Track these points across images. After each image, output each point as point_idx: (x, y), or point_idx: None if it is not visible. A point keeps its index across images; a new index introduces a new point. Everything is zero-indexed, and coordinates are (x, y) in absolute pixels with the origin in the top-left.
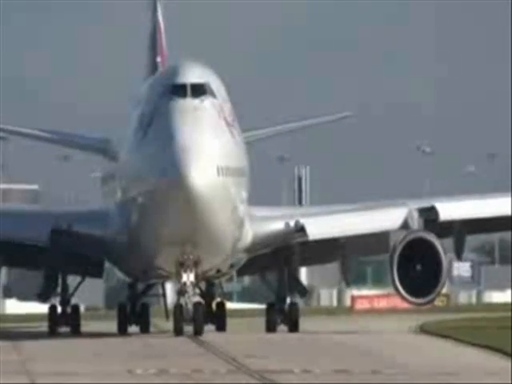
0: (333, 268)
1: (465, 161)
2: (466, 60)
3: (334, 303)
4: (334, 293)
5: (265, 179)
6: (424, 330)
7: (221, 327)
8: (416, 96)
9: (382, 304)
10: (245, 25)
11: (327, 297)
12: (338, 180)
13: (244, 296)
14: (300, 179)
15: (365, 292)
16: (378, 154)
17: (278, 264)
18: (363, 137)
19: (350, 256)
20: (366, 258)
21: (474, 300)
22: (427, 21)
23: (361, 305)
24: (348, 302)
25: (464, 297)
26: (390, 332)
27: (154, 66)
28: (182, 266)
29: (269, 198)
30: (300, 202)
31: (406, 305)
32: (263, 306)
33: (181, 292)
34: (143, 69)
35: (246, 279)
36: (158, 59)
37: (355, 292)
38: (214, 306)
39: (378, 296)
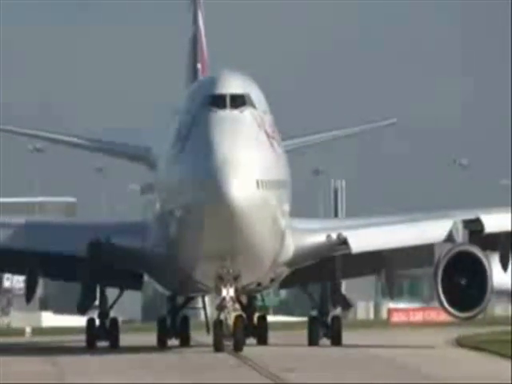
0: (369, 281)
1: (500, 174)
2: (495, 72)
3: (371, 316)
4: (371, 306)
5: (300, 192)
6: (460, 343)
7: (262, 341)
8: (450, 109)
9: (418, 317)
10: (285, 31)
11: (364, 310)
12: (372, 192)
13: (280, 309)
14: (336, 192)
15: (401, 305)
16: (414, 167)
17: (320, 277)
18: (398, 149)
19: (394, 269)
20: (403, 271)
21: (510, 312)
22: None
23: (397, 318)
24: (384, 315)
25: (500, 309)
26: (426, 345)
27: (194, 73)
28: (221, 280)
29: (305, 210)
30: (336, 215)
31: (442, 318)
32: (300, 319)
33: (220, 307)
34: (183, 75)
35: (283, 292)
36: (199, 66)
37: (392, 305)
38: (255, 319)
39: (414, 309)
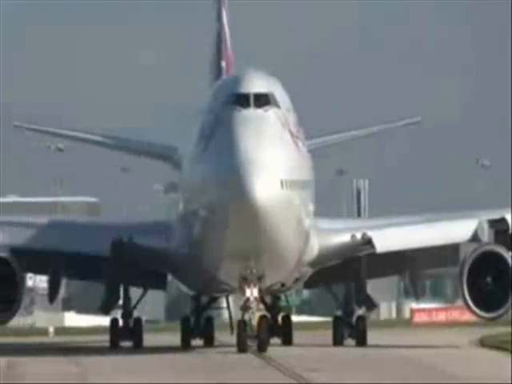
0: (392, 281)
1: None
2: None
3: (393, 316)
4: (393, 306)
5: (323, 192)
6: (484, 343)
7: (287, 341)
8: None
9: (441, 317)
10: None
11: (386, 310)
12: (395, 192)
13: (303, 309)
14: (359, 192)
15: (424, 305)
16: (436, 167)
17: (345, 277)
18: (420, 148)
19: (418, 269)
20: (425, 271)
21: None
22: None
23: (419, 318)
24: (407, 315)
25: None
26: (450, 345)
27: (218, 71)
28: (245, 280)
29: (328, 210)
30: (359, 215)
31: (465, 318)
32: (322, 319)
33: (244, 307)
34: (208, 73)
35: (305, 292)
36: (223, 64)
37: (414, 305)
38: (279, 319)
39: (437, 309)
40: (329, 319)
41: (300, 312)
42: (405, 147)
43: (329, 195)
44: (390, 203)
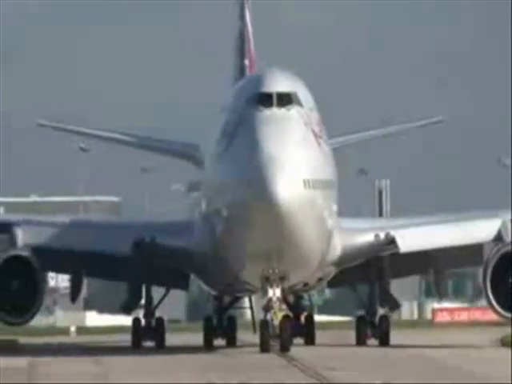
0: (413, 281)
1: None
2: None
3: (415, 316)
4: (415, 306)
5: (344, 192)
6: (505, 343)
7: (310, 340)
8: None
9: (463, 317)
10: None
11: (408, 310)
12: (416, 192)
13: (325, 308)
14: (380, 192)
15: (446, 305)
16: (457, 166)
17: (368, 276)
18: (441, 147)
19: (442, 268)
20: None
21: None
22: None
23: (441, 317)
24: (428, 315)
25: None
26: (471, 345)
27: (241, 69)
28: (267, 280)
29: (350, 210)
30: (380, 215)
31: (486, 317)
32: (343, 319)
33: (267, 308)
34: (231, 72)
35: (327, 291)
36: (246, 62)
37: (436, 305)
38: (302, 319)
39: (458, 309)
40: (348, 319)
41: (321, 312)
42: (426, 147)
43: (350, 195)
44: (412, 203)
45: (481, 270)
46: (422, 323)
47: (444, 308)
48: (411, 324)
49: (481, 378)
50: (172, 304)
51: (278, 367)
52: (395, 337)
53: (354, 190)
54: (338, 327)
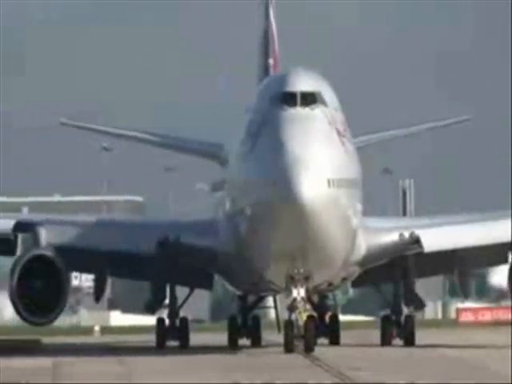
0: (437, 280)
1: None
2: None
3: (439, 316)
4: (439, 305)
5: (368, 191)
6: None
7: (334, 340)
8: None
9: (487, 316)
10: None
11: (432, 309)
12: (440, 192)
13: (348, 308)
14: (404, 191)
15: (469, 304)
16: (482, 165)
17: (393, 276)
18: (466, 146)
19: (467, 268)
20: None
21: None
22: None
23: (465, 317)
24: (452, 315)
25: None
26: (495, 345)
27: (265, 69)
28: (292, 280)
29: (374, 210)
30: (404, 215)
31: (511, 317)
32: (367, 318)
33: (291, 308)
34: (255, 71)
35: (351, 291)
36: (270, 61)
37: (460, 304)
38: (327, 318)
39: (482, 308)
40: (371, 318)
41: (344, 311)
42: (450, 146)
43: (374, 194)
44: (436, 203)
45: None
46: (446, 323)
47: (468, 308)
48: (435, 324)
49: (504, 378)
50: (196, 304)
51: (302, 367)
52: (419, 337)
53: (378, 189)
54: (361, 327)
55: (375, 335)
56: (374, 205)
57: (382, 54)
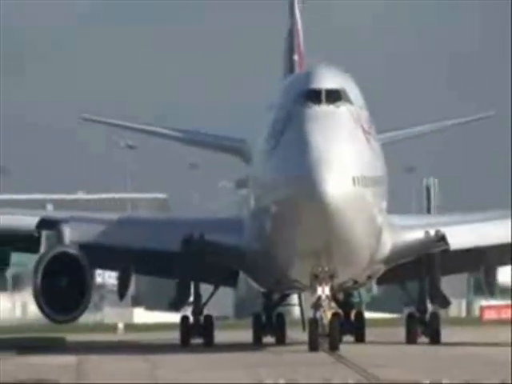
0: (461, 278)
1: None
2: None
3: (463, 313)
4: (463, 303)
5: (392, 189)
6: None
7: (359, 338)
8: None
9: (510, 314)
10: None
11: (456, 307)
12: (463, 189)
13: (371, 305)
14: (428, 189)
15: (493, 302)
16: (506, 162)
17: (418, 274)
18: (488, 144)
19: (493, 265)
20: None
21: None
22: None
23: (488, 315)
24: (476, 313)
25: None
26: None
27: (291, 65)
28: (316, 278)
29: (398, 208)
30: (428, 212)
31: None
32: (390, 316)
33: (316, 306)
34: (280, 67)
35: (375, 288)
36: (295, 57)
37: (484, 302)
38: (352, 316)
39: (506, 306)
40: (395, 316)
41: (368, 309)
42: (473, 143)
43: (398, 192)
44: (460, 200)
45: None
46: (470, 321)
47: (491, 305)
48: (459, 321)
49: None
50: (219, 301)
51: (326, 365)
52: (444, 334)
53: (401, 187)
54: (385, 324)
55: (399, 333)
56: (398, 203)
57: (410, 54)
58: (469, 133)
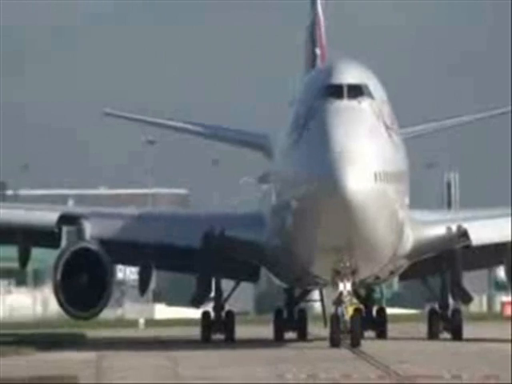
0: (482, 274)
1: None
2: None
3: (484, 309)
4: (484, 298)
5: (413, 184)
6: None
7: (381, 334)
8: None
9: None
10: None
11: (477, 302)
12: (486, 184)
13: (392, 301)
14: (449, 185)
15: None
16: None
17: (440, 269)
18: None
19: None
20: None
21: None
22: None
23: (510, 311)
24: (497, 308)
25: None
26: None
27: (313, 58)
28: (338, 274)
29: (418, 203)
30: (449, 207)
31: None
32: (412, 311)
33: (337, 302)
34: (302, 62)
35: (396, 284)
36: (317, 51)
37: (505, 298)
38: (374, 312)
39: None
40: (416, 311)
41: (388, 304)
42: (495, 138)
43: (419, 187)
44: (480, 195)
45: None
46: (491, 316)
47: None
48: (480, 317)
49: None
50: (240, 296)
51: (348, 360)
52: (466, 330)
53: (422, 182)
54: (407, 320)
55: (420, 328)
56: (419, 198)
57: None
58: (490, 128)
